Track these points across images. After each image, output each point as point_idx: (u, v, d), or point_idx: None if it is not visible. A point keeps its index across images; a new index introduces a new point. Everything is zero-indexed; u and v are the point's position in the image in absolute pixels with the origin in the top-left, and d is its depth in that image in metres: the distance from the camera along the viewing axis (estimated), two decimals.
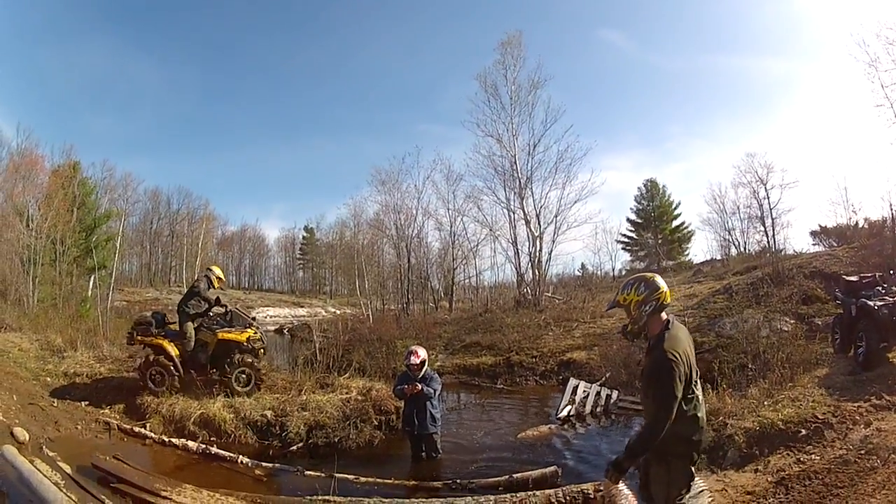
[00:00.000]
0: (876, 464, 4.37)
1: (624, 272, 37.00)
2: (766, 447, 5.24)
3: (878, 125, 27.83)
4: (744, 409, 6.02)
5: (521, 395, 11.62)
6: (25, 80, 60.41)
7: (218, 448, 6.79)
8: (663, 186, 41.64)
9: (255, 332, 9.01)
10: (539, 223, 22.61)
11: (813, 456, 4.88)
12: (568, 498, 4.89)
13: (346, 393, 8.39)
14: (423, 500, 5.06)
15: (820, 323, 10.77)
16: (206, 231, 49.58)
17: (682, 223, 40.44)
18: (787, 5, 61.78)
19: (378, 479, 5.83)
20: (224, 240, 60.40)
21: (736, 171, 31.14)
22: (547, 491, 5.03)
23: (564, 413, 8.96)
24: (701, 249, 62.78)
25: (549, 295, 22.66)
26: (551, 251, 22.82)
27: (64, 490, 4.52)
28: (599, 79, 70.29)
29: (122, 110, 76.45)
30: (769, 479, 4.67)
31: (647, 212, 40.99)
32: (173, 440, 6.93)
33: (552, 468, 5.84)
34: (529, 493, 5.04)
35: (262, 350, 9.14)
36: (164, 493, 4.79)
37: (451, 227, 27.22)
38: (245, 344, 8.69)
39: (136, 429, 7.19)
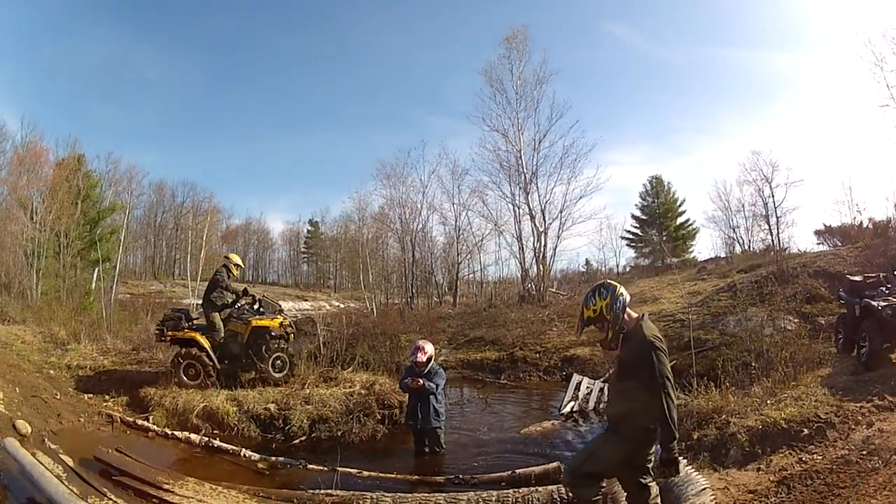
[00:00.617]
0: (877, 464, 4.37)
1: (628, 268, 37.01)
2: (768, 446, 5.23)
3: (884, 125, 27.73)
4: (746, 408, 6.00)
5: (525, 390, 11.62)
6: (30, 73, 60.24)
7: (221, 441, 6.81)
8: (668, 183, 41.58)
9: (286, 319, 9.26)
10: (544, 218, 22.77)
11: (815, 455, 4.88)
12: (570, 495, 4.91)
13: (350, 387, 8.41)
14: (426, 494, 5.06)
15: (823, 322, 10.77)
16: (211, 224, 49.59)
17: (687, 220, 40.39)
18: (792, 0, 61.30)
19: (381, 474, 5.86)
20: (228, 233, 60.28)
21: (741, 168, 31.05)
22: (549, 487, 5.05)
23: (567, 409, 8.99)
24: (705, 247, 62.85)
25: (553, 290, 22.68)
26: (556, 247, 23.01)
27: (66, 483, 4.51)
28: (605, 73, 69.90)
29: (127, 102, 76.52)
30: (771, 478, 4.67)
31: (652, 208, 40.87)
32: (176, 433, 6.92)
33: (555, 464, 5.85)
34: (532, 488, 5.05)
35: (291, 336, 9.36)
36: (166, 486, 4.79)
37: (456, 221, 27.22)
38: (279, 329, 8.93)
39: (139, 421, 7.16)
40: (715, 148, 69.31)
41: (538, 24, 70.22)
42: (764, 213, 25.41)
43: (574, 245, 60.17)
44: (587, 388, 9.49)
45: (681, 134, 72.78)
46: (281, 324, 9.02)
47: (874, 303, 7.40)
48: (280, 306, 9.70)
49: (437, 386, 6.71)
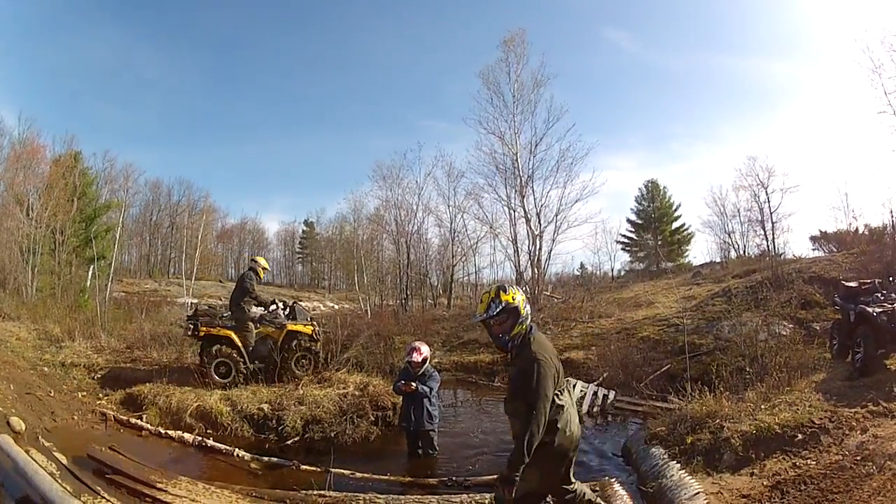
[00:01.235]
0: (872, 470, 4.36)
1: (623, 272, 37.06)
2: (762, 451, 5.21)
3: (881, 131, 27.85)
4: (740, 413, 5.98)
5: None
6: (28, 70, 59.92)
7: (214, 441, 6.79)
8: (664, 188, 41.59)
9: (316, 326, 9.73)
10: (539, 222, 22.53)
11: (809, 461, 4.87)
12: None
13: (344, 388, 8.35)
14: (419, 497, 5.05)
15: (818, 328, 10.81)
16: (207, 223, 49.45)
17: (682, 225, 40.41)
18: (790, 8, 61.63)
19: (374, 475, 5.84)
20: (224, 232, 60.22)
21: (737, 173, 31.03)
22: None
23: None
24: (700, 251, 62.65)
25: (548, 294, 22.66)
26: (551, 250, 22.77)
27: (59, 481, 4.47)
28: (603, 78, 70.07)
29: (125, 101, 76.35)
30: (765, 483, 4.66)
31: (648, 213, 40.89)
32: (169, 432, 6.91)
33: None
34: None
35: (319, 342, 9.75)
36: (159, 485, 4.76)
37: (451, 223, 27.03)
38: (311, 335, 9.39)
39: (133, 420, 7.14)
40: (712, 154, 69.62)
41: (537, 28, 70.12)
42: (759, 218, 25.39)
43: (569, 248, 60.64)
44: (581, 391, 9.48)
45: (678, 139, 73.14)
46: (314, 330, 9.47)
47: (869, 309, 7.42)
48: (310, 314, 10.35)
49: (431, 389, 6.69)
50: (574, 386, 9.53)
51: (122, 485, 4.74)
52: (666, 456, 5.78)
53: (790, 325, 11.39)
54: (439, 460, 6.66)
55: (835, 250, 19.31)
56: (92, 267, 23.83)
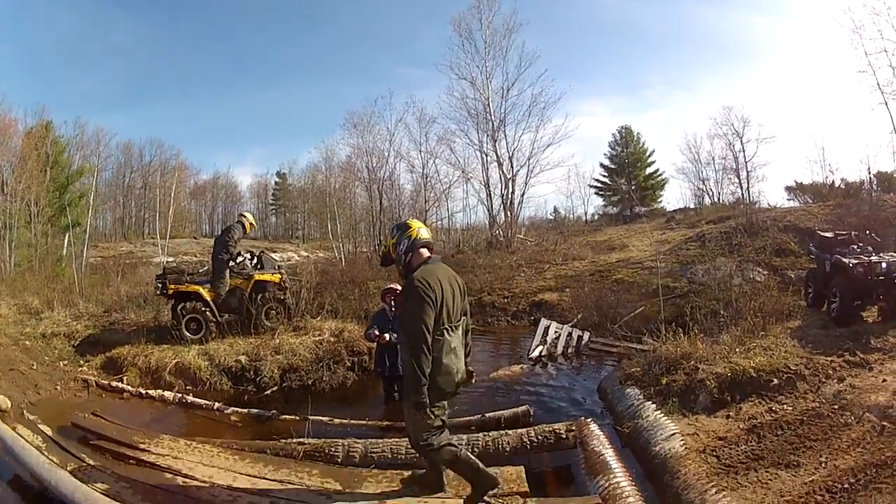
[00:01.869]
0: (850, 420, 4.41)
1: (597, 217, 37.24)
2: (737, 394, 5.25)
3: (860, 90, 27.99)
4: (715, 355, 6.01)
5: (494, 335, 11.70)
6: None
7: (194, 397, 6.86)
8: (638, 134, 41.09)
9: (284, 275, 9.66)
10: (512, 165, 22.93)
11: (785, 406, 4.92)
12: (540, 438, 4.92)
13: (319, 335, 8.33)
14: (397, 440, 5.01)
15: (793, 276, 10.93)
16: (179, 181, 48.53)
17: (656, 171, 40.25)
18: None
19: (351, 420, 5.88)
20: (197, 188, 58.88)
21: (712, 122, 31.09)
22: (519, 430, 5.06)
23: (536, 353, 9.04)
24: (674, 197, 63.39)
25: (521, 237, 22.77)
26: (524, 193, 23.17)
27: (45, 453, 4.42)
28: (577, 26, 67.17)
29: (94, 67, 71.52)
30: (741, 426, 4.71)
31: (621, 158, 40.57)
32: (150, 392, 6.98)
33: (524, 408, 5.89)
34: (502, 432, 5.06)
35: (287, 290, 9.66)
36: (142, 446, 4.71)
37: (424, 169, 26.89)
38: (279, 283, 9.31)
39: (114, 383, 7.19)
40: (688, 104, 68.60)
41: None
42: (734, 166, 25.57)
43: (542, 192, 60.56)
44: (555, 332, 9.53)
45: (653, 88, 71.67)
46: (281, 279, 9.36)
47: (845, 260, 7.45)
48: (278, 262, 10.18)
49: None
50: (548, 327, 9.56)
51: (106, 449, 4.68)
52: (641, 396, 5.84)
53: (764, 272, 11.55)
54: None
55: (810, 201, 19.49)
56: (67, 235, 23.42)
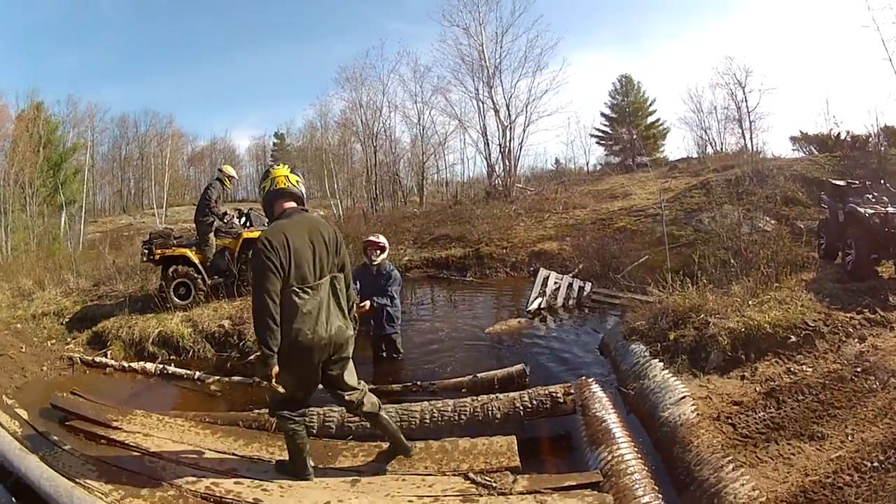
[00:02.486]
0: (875, 385, 3.99)
1: (598, 166, 36.44)
2: (752, 351, 4.82)
3: (864, 43, 27.18)
4: (727, 308, 5.55)
5: (492, 287, 11.28)
6: None
7: (176, 366, 6.76)
8: (638, 83, 39.90)
9: None
10: (509, 113, 22.36)
11: (805, 367, 4.48)
12: (535, 402, 4.42)
13: None
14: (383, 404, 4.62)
15: (803, 226, 10.35)
16: (175, 148, 47.93)
17: (658, 120, 39.15)
18: None
19: None
20: (195, 155, 57.92)
21: (714, 71, 30.20)
22: (511, 394, 4.57)
23: (535, 306, 8.66)
24: (676, 147, 62.15)
25: (521, 186, 22.27)
26: (522, 142, 22.58)
27: (20, 439, 4.25)
28: None
29: (84, 42, 68.64)
30: (758, 389, 4.28)
31: (622, 107, 39.44)
32: (132, 365, 6.84)
33: (519, 367, 5.44)
34: (492, 396, 4.59)
35: None
36: (114, 423, 4.52)
37: (419, 120, 26.54)
38: None
39: (97, 359, 7.05)
40: (688, 53, 66.34)
41: None
42: (737, 116, 24.90)
43: (541, 140, 59.74)
44: (555, 283, 9.10)
45: (653, 38, 69.17)
46: None
47: (861, 210, 6.91)
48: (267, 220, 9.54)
49: (392, 299, 6.29)
50: (547, 278, 9.13)
51: (80, 430, 4.51)
52: (647, 353, 5.41)
53: (773, 221, 11.04)
54: (405, 364, 6.35)
55: (816, 152, 18.76)
56: (63, 213, 23.51)
